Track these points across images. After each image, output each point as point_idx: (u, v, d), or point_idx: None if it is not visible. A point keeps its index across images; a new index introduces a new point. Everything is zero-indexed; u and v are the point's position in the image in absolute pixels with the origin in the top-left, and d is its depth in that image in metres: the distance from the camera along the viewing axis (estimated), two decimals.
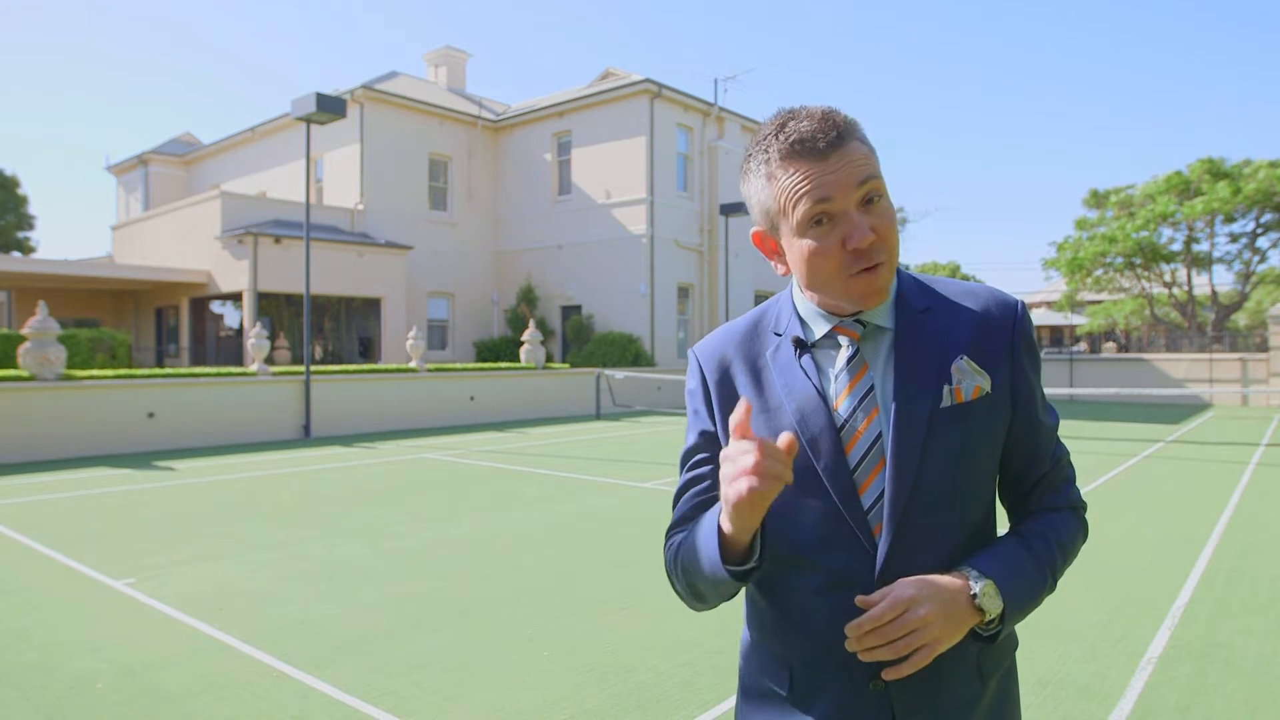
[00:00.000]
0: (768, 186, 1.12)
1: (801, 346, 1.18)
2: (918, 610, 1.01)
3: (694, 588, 1.17)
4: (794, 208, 1.09)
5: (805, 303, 1.20)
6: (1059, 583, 1.17)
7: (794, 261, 1.14)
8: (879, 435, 1.11)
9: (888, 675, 1.06)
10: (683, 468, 1.29)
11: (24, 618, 4.51)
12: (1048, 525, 1.18)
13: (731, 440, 0.99)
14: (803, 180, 1.08)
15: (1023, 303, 1.20)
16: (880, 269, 1.09)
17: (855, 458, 1.11)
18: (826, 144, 1.07)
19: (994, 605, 1.06)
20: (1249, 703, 3.34)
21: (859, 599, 1.06)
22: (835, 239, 1.08)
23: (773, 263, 1.19)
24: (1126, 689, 3.49)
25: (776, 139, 1.10)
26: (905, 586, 1.03)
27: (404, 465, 10.80)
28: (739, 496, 0.96)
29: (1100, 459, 10.92)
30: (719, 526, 1.06)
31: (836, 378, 1.15)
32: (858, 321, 1.16)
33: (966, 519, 1.14)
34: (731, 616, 4.33)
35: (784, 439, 0.97)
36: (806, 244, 1.10)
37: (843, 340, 1.16)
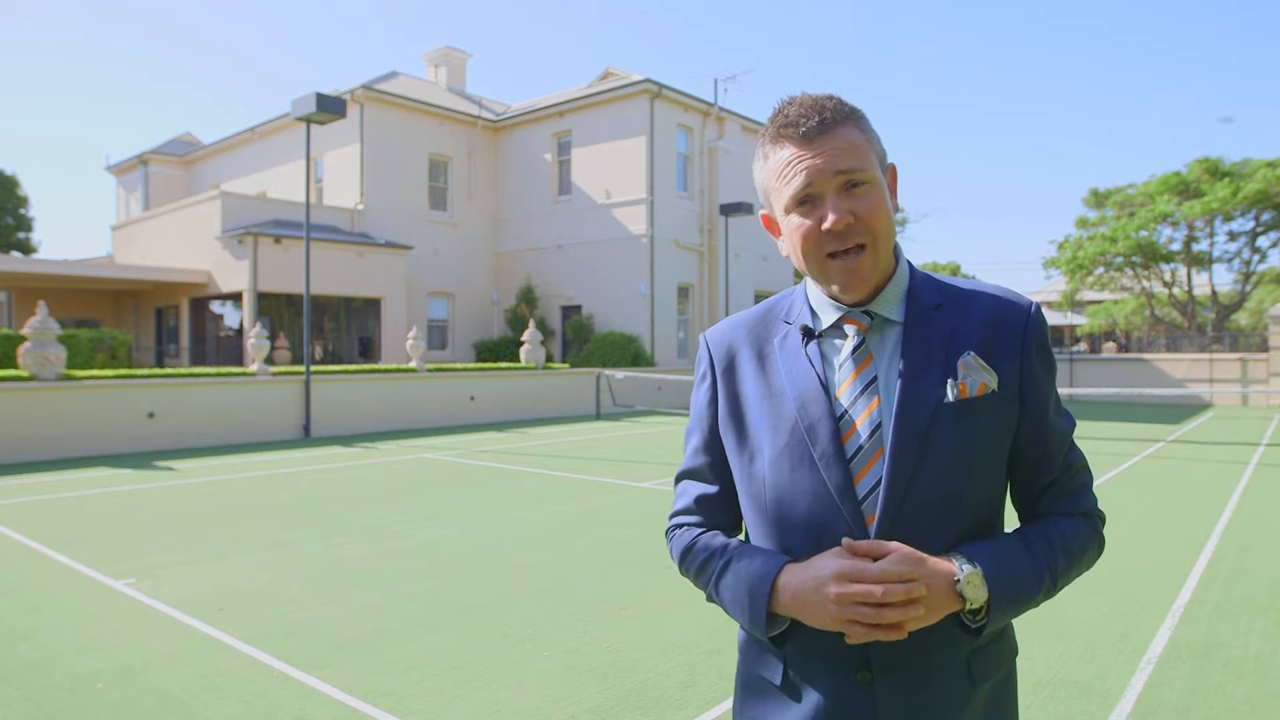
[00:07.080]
0: (764, 167, 1.17)
1: (809, 335, 1.19)
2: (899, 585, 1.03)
3: (712, 600, 1.24)
4: (780, 188, 1.13)
5: (817, 292, 1.20)
6: (1063, 588, 1.15)
7: (785, 240, 1.17)
8: (878, 425, 1.10)
9: (850, 639, 1.06)
10: (686, 447, 1.32)
11: (24, 618, 4.51)
12: (1053, 528, 1.15)
13: (856, 561, 1.04)
14: (787, 163, 1.12)
15: (1037, 304, 1.19)
16: (859, 252, 1.10)
17: (852, 447, 1.11)
18: (809, 129, 1.10)
19: (977, 595, 1.04)
20: (1249, 703, 3.34)
21: (846, 541, 1.07)
22: (815, 220, 1.11)
23: (778, 243, 1.21)
24: (1126, 689, 3.49)
25: (772, 122, 1.16)
26: (896, 559, 1.03)
27: (404, 465, 10.81)
28: (839, 627, 1.04)
29: (1100, 459, 10.91)
30: (771, 593, 1.11)
31: (840, 367, 1.15)
32: (866, 313, 1.15)
33: (965, 519, 1.12)
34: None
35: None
36: (792, 222, 1.13)
37: (849, 330, 1.16)
